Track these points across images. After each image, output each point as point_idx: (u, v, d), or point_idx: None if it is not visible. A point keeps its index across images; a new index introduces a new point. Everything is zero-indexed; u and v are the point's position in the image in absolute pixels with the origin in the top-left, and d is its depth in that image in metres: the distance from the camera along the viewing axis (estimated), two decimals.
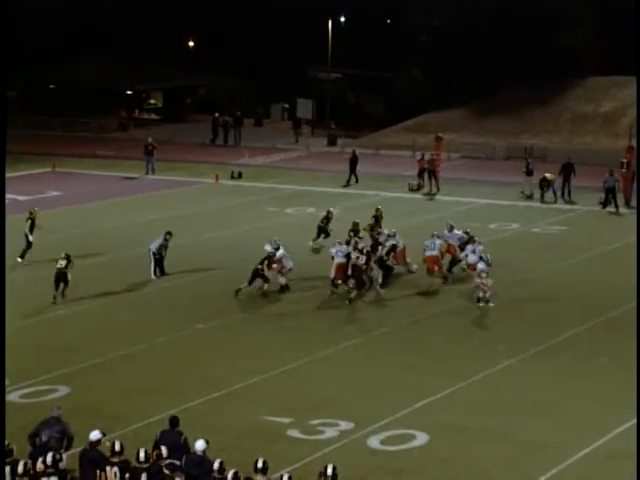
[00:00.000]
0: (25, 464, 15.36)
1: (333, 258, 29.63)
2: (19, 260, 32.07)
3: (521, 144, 56.64)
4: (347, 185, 46.70)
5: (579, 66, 63.58)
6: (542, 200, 43.20)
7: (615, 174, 42.12)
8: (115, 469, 15.68)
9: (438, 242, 30.52)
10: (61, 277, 28.55)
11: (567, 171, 44.19)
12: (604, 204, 41.66)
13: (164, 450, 15.91)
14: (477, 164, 53.11)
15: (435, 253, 30.06)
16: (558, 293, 26.49)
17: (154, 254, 30.77)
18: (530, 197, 44.32)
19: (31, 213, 32.32)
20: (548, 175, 43.64)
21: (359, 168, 47.28)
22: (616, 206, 41.60)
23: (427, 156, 47.08)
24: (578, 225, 32.21)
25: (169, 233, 31.10)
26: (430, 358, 24.67)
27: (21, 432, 18.38)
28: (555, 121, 61.49)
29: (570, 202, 43.15)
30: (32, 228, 31.98)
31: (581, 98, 62.66)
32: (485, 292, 27.96)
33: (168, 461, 15.87)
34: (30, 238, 32.13)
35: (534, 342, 25.71)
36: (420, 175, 46.62)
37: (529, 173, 45.14)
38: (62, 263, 28.66)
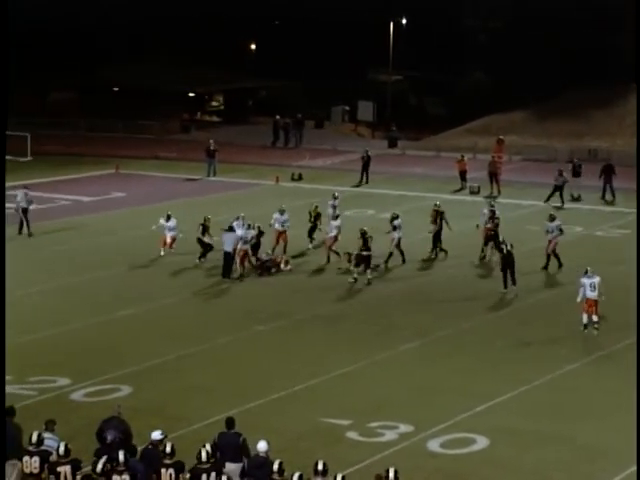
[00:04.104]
0: (104, 463, 15.46)
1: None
2: (198, 261, 32.82)
3: (584, 146, 56.07)
4: (359, 185, 47.44)
5: None
6: None
7: (564, 174, 43.14)
8: (170, 471, 15.67)
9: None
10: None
11: (608, 173, 44.08)
12: (547, 199, 42.57)
13: None
14: (539, 166, 52.65)
15: None
16: (623, 297, 26.17)
17: (231, 254, 31.23)
18: (578, 199, 43.87)
19: (205, 220, 33.27)
20: None
21: (372, 168, 48.15)
22: (562, 201, 42.59)
23: (488, 158, 46.96)
24: None
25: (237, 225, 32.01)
26: (490, 362, 24.51)
27: (84, 430, 18.63)
28: (618, 123, 60.76)
29: (612, 204, 42.77)
30: (204, 232, 32.96)
31: None
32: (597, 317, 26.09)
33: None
34: (207, 240, 32.91)
35: (597, 347, 25.44)
36: (462, 178, 46.67)
37: (576, 175, 44.84)
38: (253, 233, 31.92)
